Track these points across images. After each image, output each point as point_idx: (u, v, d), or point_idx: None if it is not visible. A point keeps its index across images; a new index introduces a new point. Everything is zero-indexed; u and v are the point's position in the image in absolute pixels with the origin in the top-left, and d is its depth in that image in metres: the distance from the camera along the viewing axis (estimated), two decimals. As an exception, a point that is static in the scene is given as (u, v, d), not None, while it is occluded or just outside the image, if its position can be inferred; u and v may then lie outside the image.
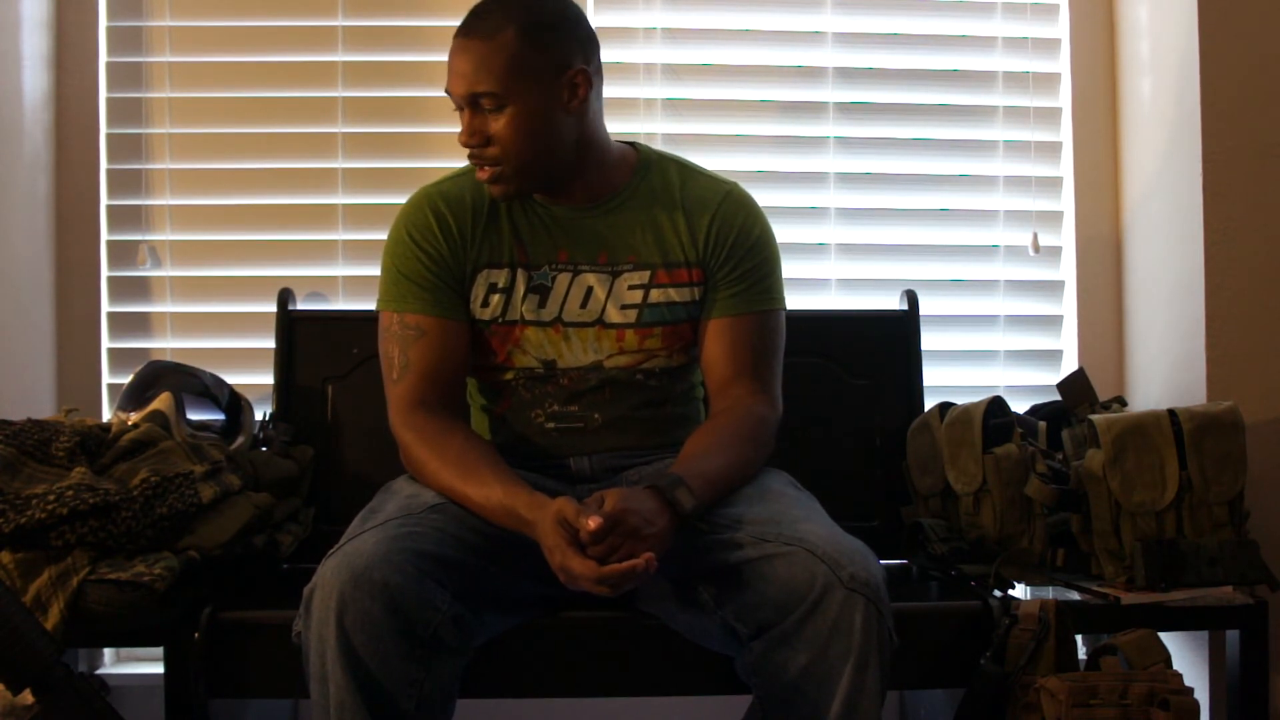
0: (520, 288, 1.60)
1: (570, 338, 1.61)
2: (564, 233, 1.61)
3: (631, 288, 1.61)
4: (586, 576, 1.32)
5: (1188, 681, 1.49)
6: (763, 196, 1.76)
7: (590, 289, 1.61)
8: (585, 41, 1.56)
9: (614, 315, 1.61)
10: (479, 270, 1.60)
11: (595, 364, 1.61)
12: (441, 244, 1.59)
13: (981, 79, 2.31)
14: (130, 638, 1.73)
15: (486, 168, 1.54)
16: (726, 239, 1.62)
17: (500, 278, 1.60)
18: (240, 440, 1.92)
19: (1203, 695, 1.88)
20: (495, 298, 1.60)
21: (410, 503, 1.46)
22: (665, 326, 1.62)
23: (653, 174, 1.65)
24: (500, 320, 1.61)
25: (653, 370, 1.63)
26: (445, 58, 2.21)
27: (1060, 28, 2.31)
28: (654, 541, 1.35)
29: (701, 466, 1.47)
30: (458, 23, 2.21)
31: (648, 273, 1.62)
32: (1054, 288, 2.31)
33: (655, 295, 1.62)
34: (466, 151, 1.55)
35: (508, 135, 1.51)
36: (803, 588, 1.33)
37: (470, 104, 1.52)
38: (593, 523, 1.32)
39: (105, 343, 2.20)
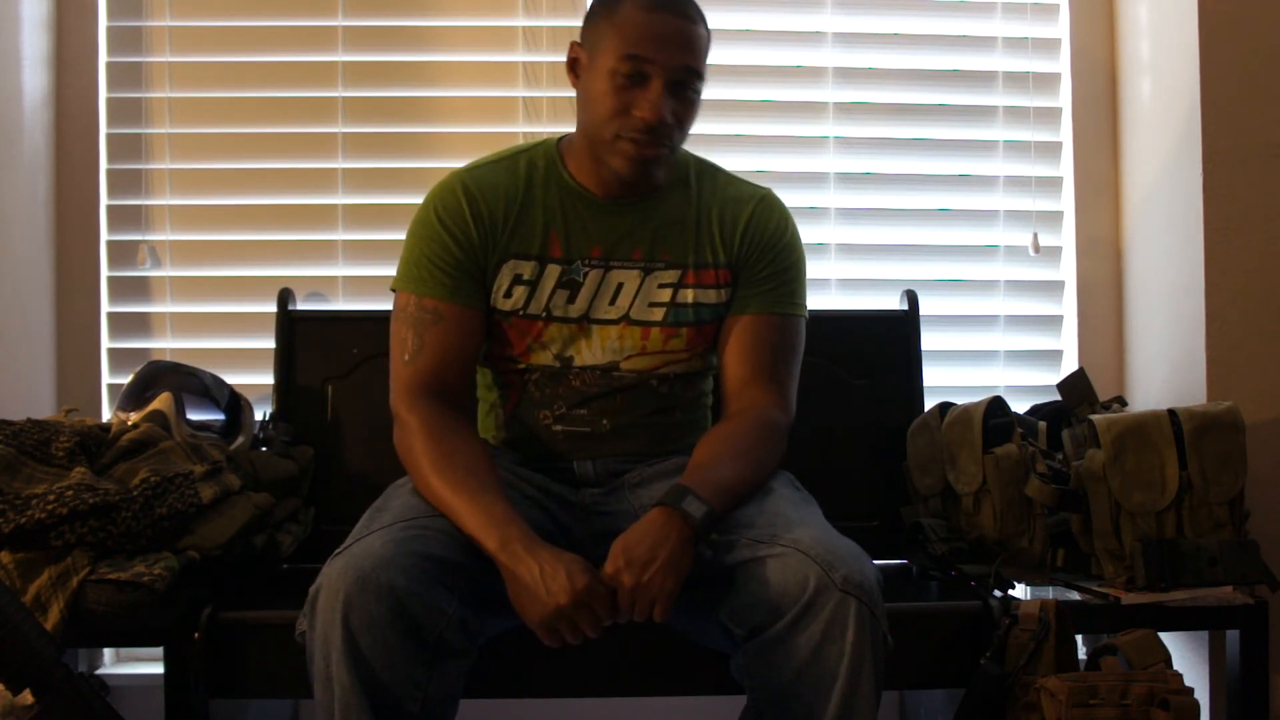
0: (550, 283, 1.58)
1: (591, 334, 1.59)
2: (600, 227, 1.59)
3: (661, 286, 1.60)
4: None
5: (1188, 681, 1.49)
6: (763, 196, 1.76)
7: (621, 285, 1.59)
8: None
9: (641, 312, 1.59)
10: (505, 260, 1.57)
11: (611, 364, 1.59)
12: (471, 229, 1.56)
13: (981, 79, 2.31)
14: (130, 638, 1.74)
15: (657, 149, 1.51)
16: (759, 240, 1.62)
17: (526, 270, 1.58)
18: (240, 440, 1.92)
19: (1203, 695, 1.88)
20: (519, 289, 1.58)
21: (417, 504, 1.44)
22: (690, 328, 1.61)
23: (690, 173, 1.65)
24: (522, 313, 1.59)
25: (667, 375, 1.62)
26: (444, 57, 2.25)
27: (1060, 28, 2.31)
28: (670, 564, 1.35)
29: (712, 475, 1.45)
30: (458, 23, 2.25)
31: (678, 272, 1.60)
32: (1054, 288, 2.31)
33: (683, 295, 1.60)
34: (618, 130, 1.50)
35: (689, 121, 1.55)
36: (795, 589, 1.32)
37: (677, 81, 1.50)
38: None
39: (105, 343, 2.20)
